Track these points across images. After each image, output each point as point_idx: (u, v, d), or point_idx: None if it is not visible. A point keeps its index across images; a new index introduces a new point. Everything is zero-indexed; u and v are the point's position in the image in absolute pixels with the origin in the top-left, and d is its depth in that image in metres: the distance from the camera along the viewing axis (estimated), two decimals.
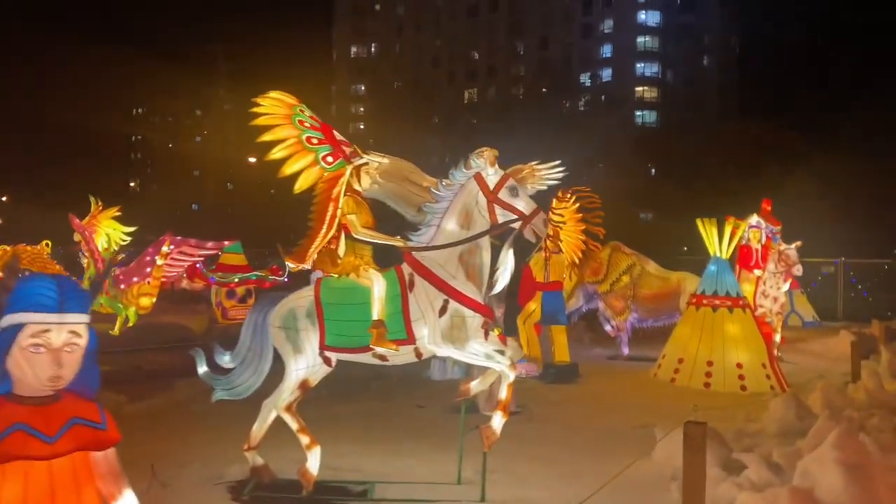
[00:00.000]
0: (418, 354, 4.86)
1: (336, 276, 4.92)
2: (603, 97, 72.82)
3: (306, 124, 4.85)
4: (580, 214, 10.34)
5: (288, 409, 4.86)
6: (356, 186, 5.10)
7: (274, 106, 4.81)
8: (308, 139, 4.81)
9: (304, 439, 4.84)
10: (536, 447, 6.30)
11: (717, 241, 9.82)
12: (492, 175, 4.83)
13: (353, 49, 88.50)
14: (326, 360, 4.88)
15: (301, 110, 4.90)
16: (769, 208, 15.78)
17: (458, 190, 4.91)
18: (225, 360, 5.14)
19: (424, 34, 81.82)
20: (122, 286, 14.02)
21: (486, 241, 4.89)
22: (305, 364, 4.85)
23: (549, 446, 6.35)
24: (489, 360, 4.77)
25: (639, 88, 73.06)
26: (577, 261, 10.38)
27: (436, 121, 59.88)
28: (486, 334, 4.84)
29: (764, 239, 13.09)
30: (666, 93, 72.26)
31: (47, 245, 15.64)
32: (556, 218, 9.89)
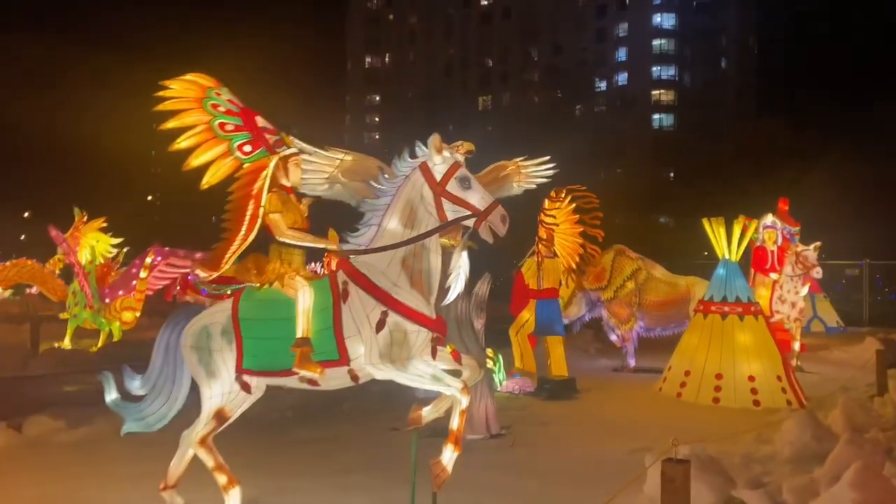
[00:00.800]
0: (354, 377, 4.14)
1: (258, 286, 4.22)
2: (619, 101, 72.31)
3: (221, 108, 4.18)
4: (576, 216, 9.57)
5: (202, 442, 4.15)
6: (283, 181, 4.39)
7: (185, 89, 4.14)
8: (221, 125, 4.15)
9: (221, 478, 4.14)
10: (513, 478, 5.53)
11: (725, 241, 8.99)
12: (439, 164, 4.09)
13: (367, 59, 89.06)
14: (244, 386, 4.17)
15: (217, 93, 4.23)
16: (786, 208, 14.91)
17: (402, 183, 4.17)
18: (134, 385, 4.47)
19: (437, 43, 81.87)
20: (108, 300, 13.48)
21: (434, 243, 4.17)
22: (220, 391, 4.15)
23: (528, 477, 5.58)
24: (437, 382, 4.03)
25: (655, 91, 72.44)
26: (573, 266, 9.60)
27: (450, 129, 59.52)
28: (435, 352, 4.10)
29: (780, 240, 12.24)
30: (683, 95, 71.32)
31: (60, 260, 15.17)
32: (548, 220, 9.13)
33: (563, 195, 9.31)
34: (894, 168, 24.06)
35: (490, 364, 9.11)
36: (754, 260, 12.25)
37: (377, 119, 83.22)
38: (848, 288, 20.06)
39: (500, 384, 9.27)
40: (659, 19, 72.60)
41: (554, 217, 9.15)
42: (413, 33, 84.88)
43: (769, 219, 12.27)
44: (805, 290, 11.56)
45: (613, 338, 11.63)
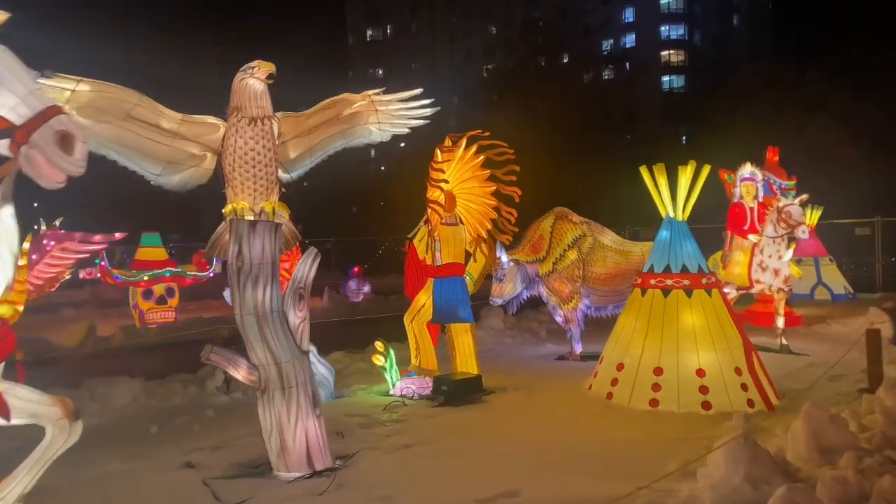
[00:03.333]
0: None
1: None
2: (627, 64, 69.97)
3: None
4: (486, 171, 7.58)
5: None
6: None
7: None
8: None
9: None
10: None
11: (668, 195, 6.93)
12: None
13: (369, 32, 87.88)
14: None
15: None
16: (776, 158, 12.74)
17: None
18: None
19: (440, 12, 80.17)
20: None
21: None
22: None
23: None
24: None
25: (664, 52, 69.90)
26: (483, 234, 7.62)
27: (455, 100, 57.48)
28: None
29: (761, 195, 10.14)
30: (694, 55, 68.62)
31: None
32: (436, 175, 7.13)
33: (460, 143, 7.31)
34: None
35: (379, 360, 7.23)
36: (730, 219, 10.18)
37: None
38: (858, 250, 17.81)
39: (393, 385, 7.39)
40: None
41: (443, 171, 7.15)
42: (414, 4, 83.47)
43: (747, 169, 10.17)
44: (790, 254, 9.46)
45: (559, 319, 9.67)
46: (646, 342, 6.63)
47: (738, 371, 6.40)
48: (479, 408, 6.80)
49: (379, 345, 7.43)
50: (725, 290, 10.22)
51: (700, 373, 6.35)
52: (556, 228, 9.39)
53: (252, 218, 4.88)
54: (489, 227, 7.59)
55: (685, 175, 6.79)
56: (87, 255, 13.71)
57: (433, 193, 7.11)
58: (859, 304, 13.95)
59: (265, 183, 4.92)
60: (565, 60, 58.02)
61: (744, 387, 6.34)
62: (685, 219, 6.98)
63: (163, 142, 4.79)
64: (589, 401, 6.80)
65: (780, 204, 9.33)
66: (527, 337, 11.06)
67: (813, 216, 16.42)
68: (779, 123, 20.82)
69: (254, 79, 4.84)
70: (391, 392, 7.33)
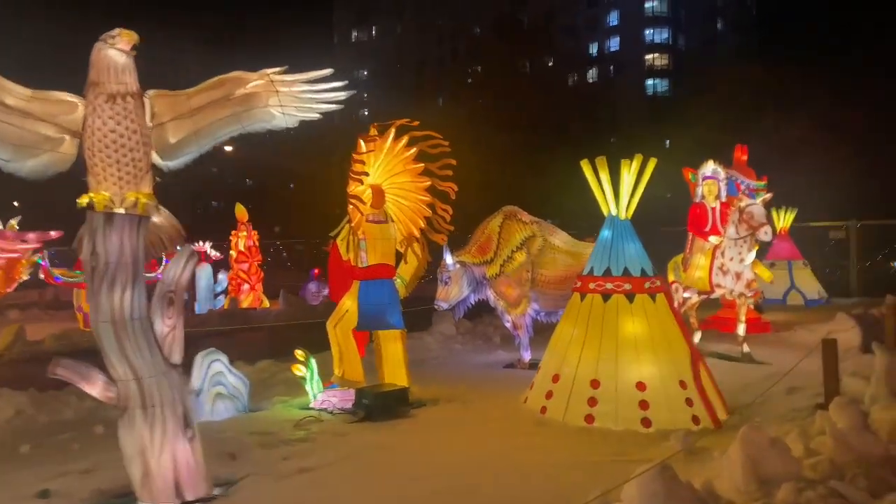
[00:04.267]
0: None
1: None
2: (612, 67, 70.06)
3: None
4: (420, 165, 6.98)
5: None
6: None
7: None
8: None
9: None
10: None
11: (611, 191, 6.35)
12: None
13: (354, 33, 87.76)
14: None
15: None
16: (745, 157, 12.20)
17: None
18: None
19: (426, 13, 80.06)
20: None
21: None
22: None
23: None
24: None
25: (649, 56, 70.02)
26: (416, 233, 7.01)
27: (440, 102, 57.02)
28: None
29: (724, 195, 9.61)
30: (678, 59, 68.69)
31: None
32: (357, 168, 6.52)
33: (387, 133, 6.70)
34: (887, 114, 21.14)
35: (300, 371, 6.61)
36: (690, 220, 9.64)
37: (366, 96, 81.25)
38: (833, 253, 17.35)
39: (314, 398, 6.76)
40: None
41: (364, 164, 6.53)
42: (400, 4, 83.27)
43: (709, 167, 9.64)
44: (752, 257, 8.91)
45: (508, 325, 9.09)
46: (583, 352, 6.04)
47: (682, 384, 5.83)
48: (403, 423, 6.18)
49: (299, 353, 6.80)
50: (685, 294, 9.71)
51: (640, 386, 5.77)
52: (504, 228, 8.81)
53: (122, 211, 4.25)
54: (422, 225, 6.99)
55: (628, 170, 6.21)
56: (19, 255, 13.09)
57: (354, 187, 6.49)
58: (833, 310, 13.46)
59: (131, 170, 4.28)
60: (550, 63, 57.83)
61: (688, 402, 5.76)
62: (629, 217, 6.39)
63: (9, 122, 4.14)
64: (522, 416, 6.20)
65: (742, 204, 8.79)
66: (479, 343, 10.46)
67: (787, 218, 15.96)
68: (754, 124, 20.39)
69: (115, 50, 4.21)
70: (311, 405, 6.70)
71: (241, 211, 16.14)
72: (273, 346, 9.07)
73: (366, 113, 75.15)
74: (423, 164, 6.95)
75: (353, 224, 6.51)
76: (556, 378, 6.13)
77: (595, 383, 5.85)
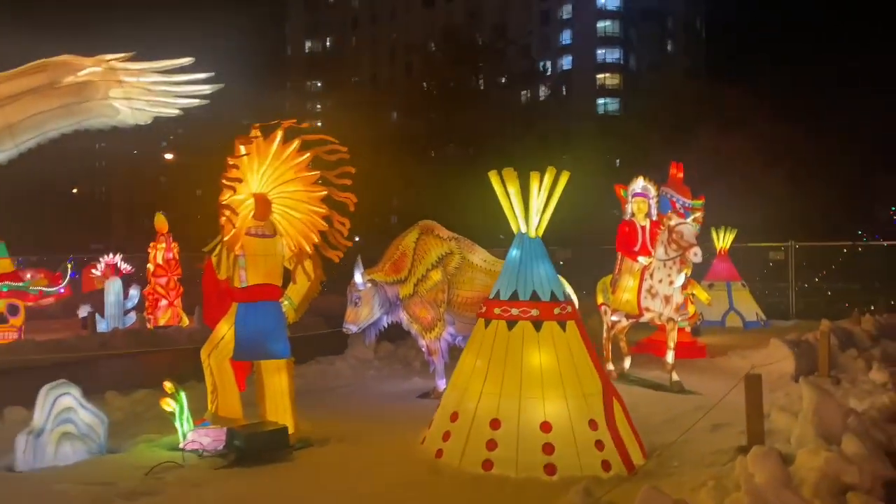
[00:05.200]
0: None
1: None
2: (563, 86, 70.60)
3: None
4: (315, 173, 6.22)
5: None
6: None
7: None
8: None
9: None
10: None
11: (519, 207, 5.69)
12: None
13: (308, 44, 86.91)
14: None
15: None
16: (681, 175, 11.78)
17: None
18: None
19: (380, 26, 79.76)
20: None
21: None
22: None
23: None
24: None
25: (600, 75, 70.77)
26: (307, 249, 6.24)
27: (394, 116, 56.45)
28: None
29: (655, 213, 9.11)
30: (629, 79, 69.68)
31: None
32: (232, 175, 5.73)
33: (274, 135, 5.93)
34: (827, 139, 21.29)
35: (169, 405, 5.75)
36: (619, 239, 9.10)
37: (319, 107, 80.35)
38: (772, 275, 17.17)
39: (183, 437, 5.90)
40: (603, 0, 70.74)
41: (238, 168, 5.75)
42: (356, 17, 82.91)
43: (639, 184, 9.14)
44: (681, 279, 8.37)
45: (424, 351, 8.37)
46: (484, 386, 5.35)
47: (593, 424, 5.17)
48: (278, 469, 5.38)
49: (168, 386, 5.94)
50: (613, 318, 9.14)
51: (545, 427, 5.09)
52: (420, 244, 8.11)
53: None
54: (316, 240, 6.22)
55: (538, 183, 5.57)
56: None
57: (226, 196, 5.69)
58: (770, 333, 13.15)
59: None
60: (503, 80, 57.73)
61: (599, 445, 5.11)
62: (539, 235, 5.75)
63: None
64: (416, 460, 5.46)
65: (672, 223, 8.26)
66: (397, 368, 9.69)
67: (726, 238, 15.71)
68: (696, 143, 20.29)
69: None
70: (180, 446, 5.83)
71: (160, 221, 15.14)
72: (164, 372, 8.14)
73: (319, 124, 74.39)
74: (318, 172, 6.19)
75: (225, 238, 5.70)
76: (454, 416, 5.41)
77: (495, 423, 5.16)
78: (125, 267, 14.76)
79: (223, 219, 5.62)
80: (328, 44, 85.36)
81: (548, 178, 5.66)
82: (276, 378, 6.02)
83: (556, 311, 5.49)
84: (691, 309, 12.26)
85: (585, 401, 5.26)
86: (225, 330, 5.97)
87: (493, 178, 5.70)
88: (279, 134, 5.93)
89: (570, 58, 70.97)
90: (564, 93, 69.60)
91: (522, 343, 5.36)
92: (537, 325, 5.41)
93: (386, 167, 37.81)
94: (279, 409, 5.99)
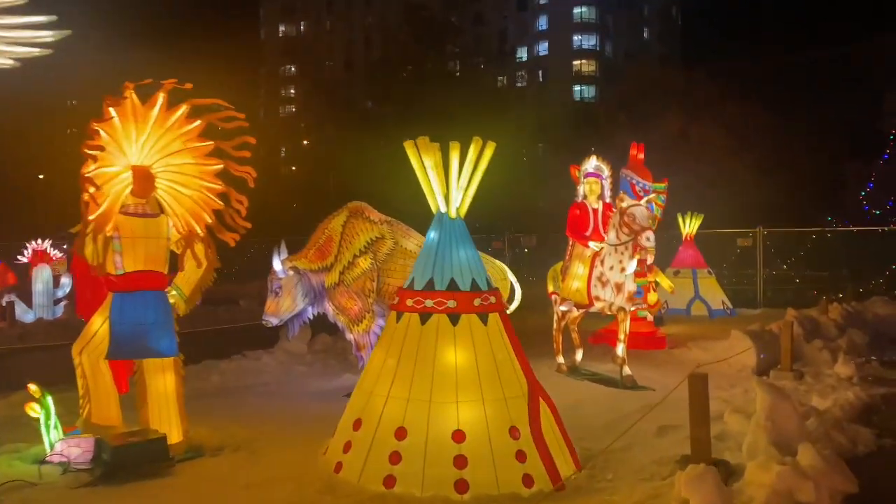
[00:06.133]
0: None
1: None
2: (540, 72, 70.14)
3: None
4: (209, 143, 5.41)
5: None
6: None
7: None
8: None
9: None
10: None
11: (438, 183, 4.93)
12: None
13: (282, 28, 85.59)
14: None
15: None
16: (641, 156, 11.13)
17: None
18: None
19: (356, 11, 78.64)
20: None
21: None
22: None
23: None
24: None
25: (576, 62, 70.38)
26: (200, 231, 5.43)
27: (369, 104, 55.38)
28: None
29: (608, 195, 8.43)
30: (605, 66, 69.31)
31: None
32: (98, 141, 4.91)
33: (154, 98, 5.11)
34: (797, 124, 20.79)
35: (35, 411, 4.95)
36: (569, 223, 8.39)
37: (293, 91, 79.02)
38: (739, 261, 16.63)
39: (51, 448, 5.09)
40: None
41: (101, 135, 4.93)
42: (330, 1, 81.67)
43: (591, 163, 8.44)
44: (633, 266, 7.67)
45: (353, 344, 7.62)
46: (392, 389, 4.61)
47: (514, 432, 4.46)
48: (153, 486, 4.60)
49: (34, 389, 5.13)
50: (562, 307, 8.47)
51: (458, 436, 4.37)
52: (347, 228, 7.35)
53: None
54: (210, 220, 5.42)
55: (458, 154, 4.81)
56: None
57: (88, 167, 4.87)
58: (737, 321, 12.61)
59: None
60: (481, 66, 56.88)
61: (520, 455, 4.40)
62: (462, 215, 5.01)
63: None
64: (314, 475, 4.71)
65: (624, 204, 7.57)
66: (331, 364, 8.91)
67: (692, 224, 15.13)
68: (664, 127, 19.69)
69: None
70: (48, 458, 5.03)
71: None
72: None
73: (293, 110, 72.88)
74: (212, 143, 5.39)
75: (87, 217, 4.86)
76: (357, 424, 4.68)
77: (401, 433, 4.42)
78: (55, 253, 13.78)
79: (85, 195, 4.79)
80: (302, 28, 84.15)
81: (472, 151, 4.91)
82: (160, 379, 5.23)
83: (477, 301, 4.75)
84: (653, 297, 11.65)
85: (506, 405, 4.55)
86: (99, 324, 5.16)
87: (409, 148, 4.93)
88: (160, 97, 5.10)
89: (546, 43, 70.45)
90: (541, 79, 69.14)
91: (436, 339, 4.62)
92: (454, 318, 4.67)
93: (353, 152, 36.91)
94: (163, 416, 5.21)
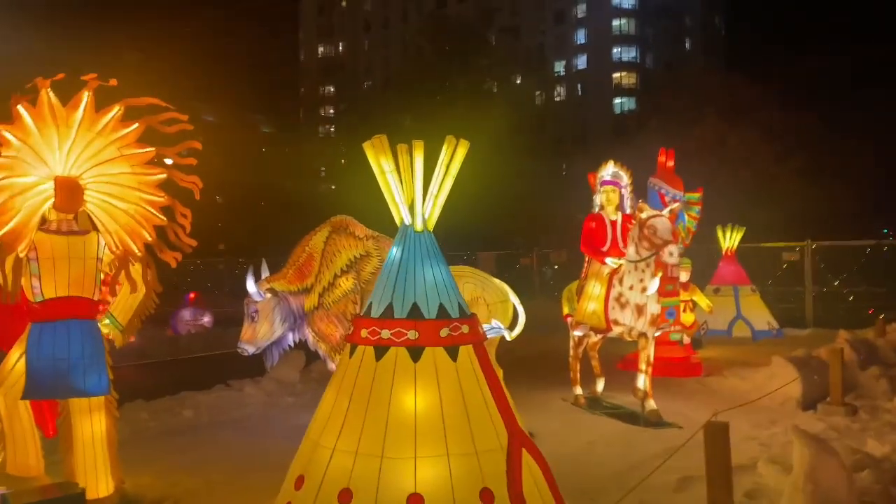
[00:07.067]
0: None
1: None
2: (579, 85, 69.55)
3: None
4: (150, 150, 4.73)
5: None
6: None
7: None
8: None
9: None
10: None
11: (401, 191, 4.11)
12: None
13: (321, 49, 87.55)
14: None
15: None
16: (671, 163, 10.15)
17: None
18: None
19: (392, 29, 79.66)
20: None
21: None
22: None
23: None
24: None
25: (616, 74, 69.66)
26: (137, 250, 4.73)
27: (407, 122, 55.34)
28: None
29: (628, 206, 7.52)
30: (646, 78, 68.31)
31: None
32: (13, 149, 4.25)
33: (78, 97, 4.44)
34: (847, 130, 19.40)
35: None
36: (584, 237, 7.48)
37: (332, 111, 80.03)
38: (786, 277, 15.37)
39: None
40: None
41: (8, 141, 4.27)
42: (367, 21, 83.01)
43: (608, 170, 7.53)
44: (655, 285, 6.72)
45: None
46: (339, 440, 3.79)
47: (486, 496, 3.59)
48: None
49: None
50: (577, 332, 7.54)
51: (414, 501, 3.52)
52: (329, 245, 6.59)
53: None
54: (149, 238, 4.72)
55: (421, 154, 4.00)
56: None
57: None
58: (783, 344, 11.46)
59: None
60: (518, 81, 56.30)
61: None
62: (430, 229, 4.18)
63: None
64: None
65: (644, 215, 6.64)
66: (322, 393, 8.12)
67: (733, 238, 14.01)
68: (701, 136, 18.55)
69: None
70: None
71: None
72: None
73: (332, 129, 73.56)
74: (152, 149, 4.70)
75: (13, 237, 4.19)
76: (299, 482, 3.86)
77: (345, 496, 3.60)
78: None
79: None
80: (341, 48, 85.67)
81: (445, 152, 4.09)
82: (87, 422, 4.51)
83: (444, 332, 3.90)
84: (689, 318, 10.63)
85: (478, 460, 3.68)
86: (15, 359, 4.48)
87: (369, 150, 4.14)
88: (84, 96, 4.44)
89: (584, 57, 69.95)
90: (580, 93, 68.38)
91: (393, 378, 3.79)
92: (415, 352, 3.83)
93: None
94: (89, 464, 4.48)
